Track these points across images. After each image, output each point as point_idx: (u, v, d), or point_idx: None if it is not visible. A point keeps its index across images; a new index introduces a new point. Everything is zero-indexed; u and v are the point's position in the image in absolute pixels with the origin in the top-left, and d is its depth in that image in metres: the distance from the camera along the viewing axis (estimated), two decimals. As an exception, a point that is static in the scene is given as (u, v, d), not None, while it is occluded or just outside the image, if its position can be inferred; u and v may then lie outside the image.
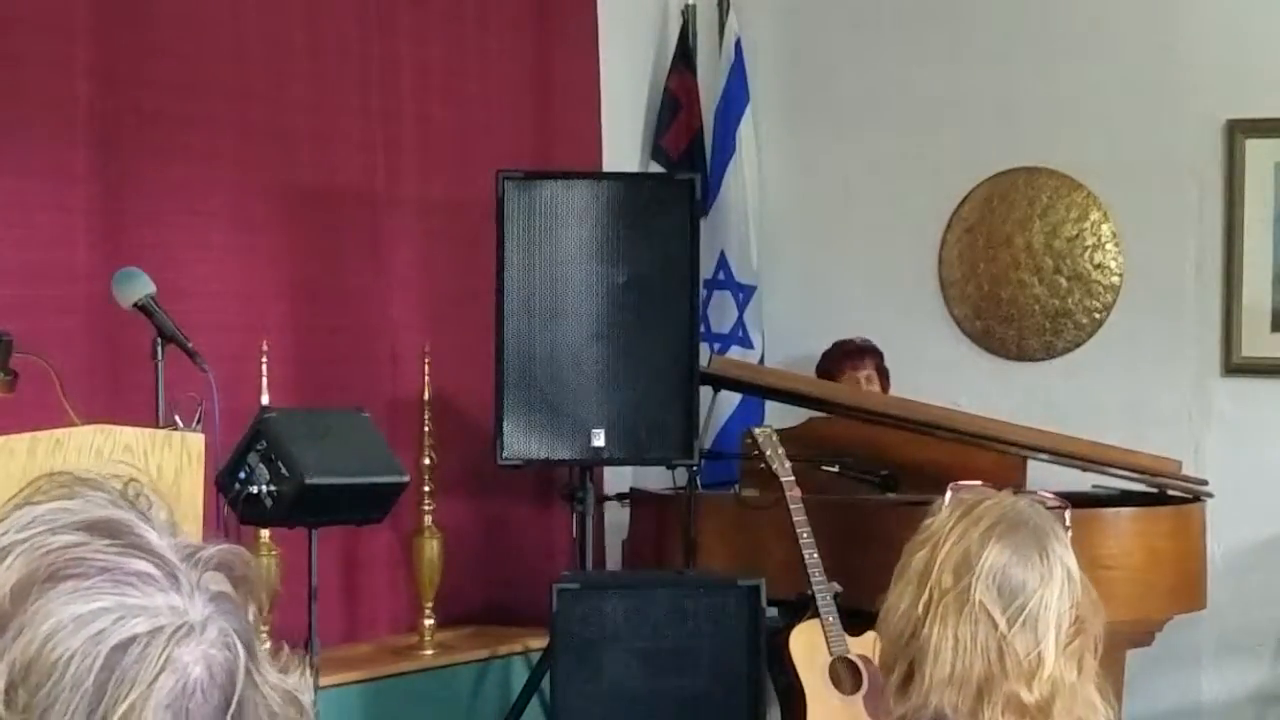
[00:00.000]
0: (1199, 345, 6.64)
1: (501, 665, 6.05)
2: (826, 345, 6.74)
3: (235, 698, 1.18)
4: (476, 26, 6.46)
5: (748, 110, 7.18)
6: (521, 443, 5.84)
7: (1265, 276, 6.56)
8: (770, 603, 5.46)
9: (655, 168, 7.07)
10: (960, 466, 5.78)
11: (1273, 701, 6.52)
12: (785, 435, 5.77)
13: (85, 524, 1.20)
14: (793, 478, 5.51)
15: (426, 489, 5.91)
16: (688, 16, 7.24)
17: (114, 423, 3.84)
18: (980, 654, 2.34)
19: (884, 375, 6.68)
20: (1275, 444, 6.52)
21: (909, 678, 2.37)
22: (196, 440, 3.91)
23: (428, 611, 5.95)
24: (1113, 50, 6.75)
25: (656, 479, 6.30)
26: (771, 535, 5.62)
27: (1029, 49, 6.86)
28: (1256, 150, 6.56)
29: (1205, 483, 6.03)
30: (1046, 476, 6.06)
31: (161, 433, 3.92)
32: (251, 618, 1.23)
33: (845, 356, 6.64)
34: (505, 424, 5.81)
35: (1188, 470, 6.09)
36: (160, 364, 4.40)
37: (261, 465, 4.62)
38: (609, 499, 6.42)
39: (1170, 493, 5.97)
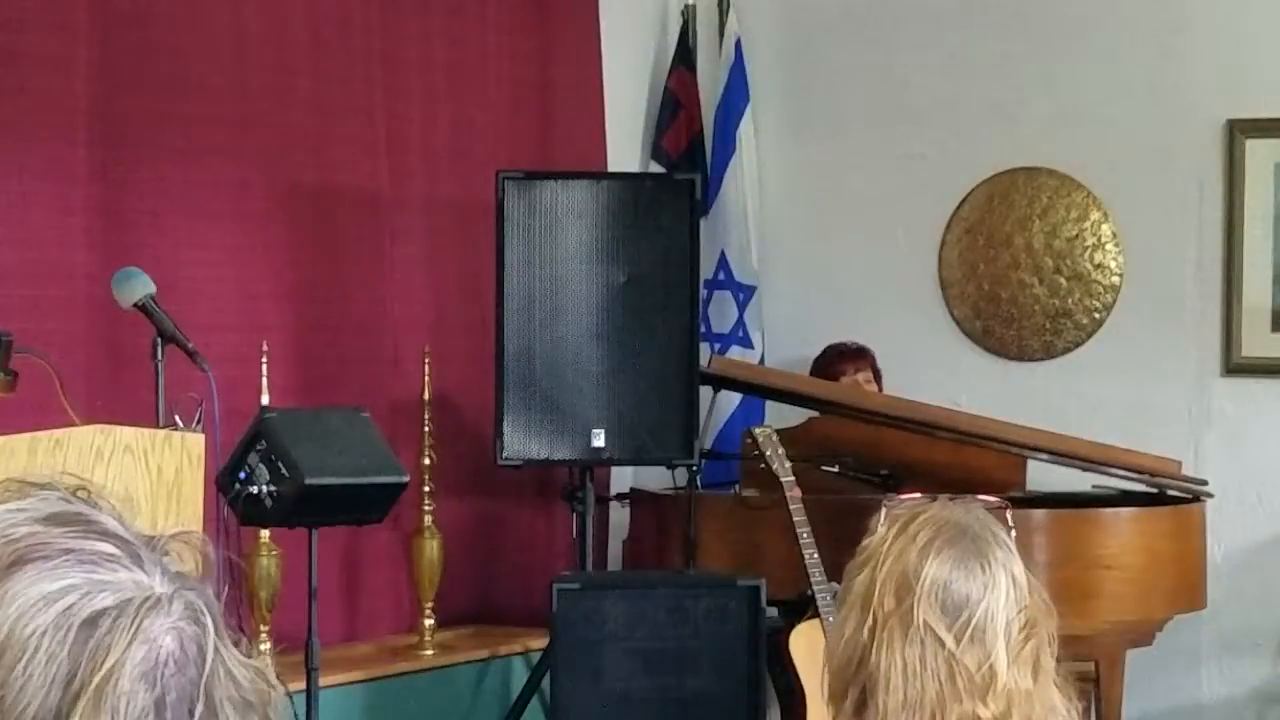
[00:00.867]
0: (1199, 345, 6.64)
1: (501, 665, 6.05)
2: (826, 345, 6.73)
3: (206, 669, 1.20)
4: (477, 27, 6.46)
5: (748, 110, 7.17)
6: (521, 443, 5.84)
7: (1265, 276, 6.56)
8: (770, 603, 5.46)
9: (655, 168, 7.06)
10: (960, 466, 5.79)
11: (1273, 701, 6.52)
12: (785, 435, 5.77)
13: (41, 517, 1.22)
14: (793, 478, 5.51)
15: (426, 489, 5.91)
16: (688, 16, 7.23)
17: (114, 423, 3.84)
18: (931, 676, 2.29)
19: (879, 378, 6.67)
20: (1275, 444, 6.52)
21: (862, 706, 2.33)
22: (196, 440, 3.91)
23: (428, 611, 5.95)
24: (1113, 50, 6.75)
25: (656, 479, 6.30)
26: (771, 535, 5.62)
27: (1029, 49, 6.86)
28: (1256, 150, 6.56)
29: (1205, 483, 6.03)
30: (1046, 476, 6.07)
31: (161, 433, 3.92)
32: (212, 596, 1.24)
33: (839, 359, 6.63)
34: (505, 424, 5.82)
35: (1188, 470, 6.09)
36: (160, 364, 4.40)
37: (261, 465, 4.62)
38: (609, 499, 6.41)
39: (1170, 493, 5.97)
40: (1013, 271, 6.93)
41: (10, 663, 1.16)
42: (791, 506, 5.44)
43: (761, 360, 7.01)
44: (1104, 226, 6.82)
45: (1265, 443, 6.52)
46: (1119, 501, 5.97)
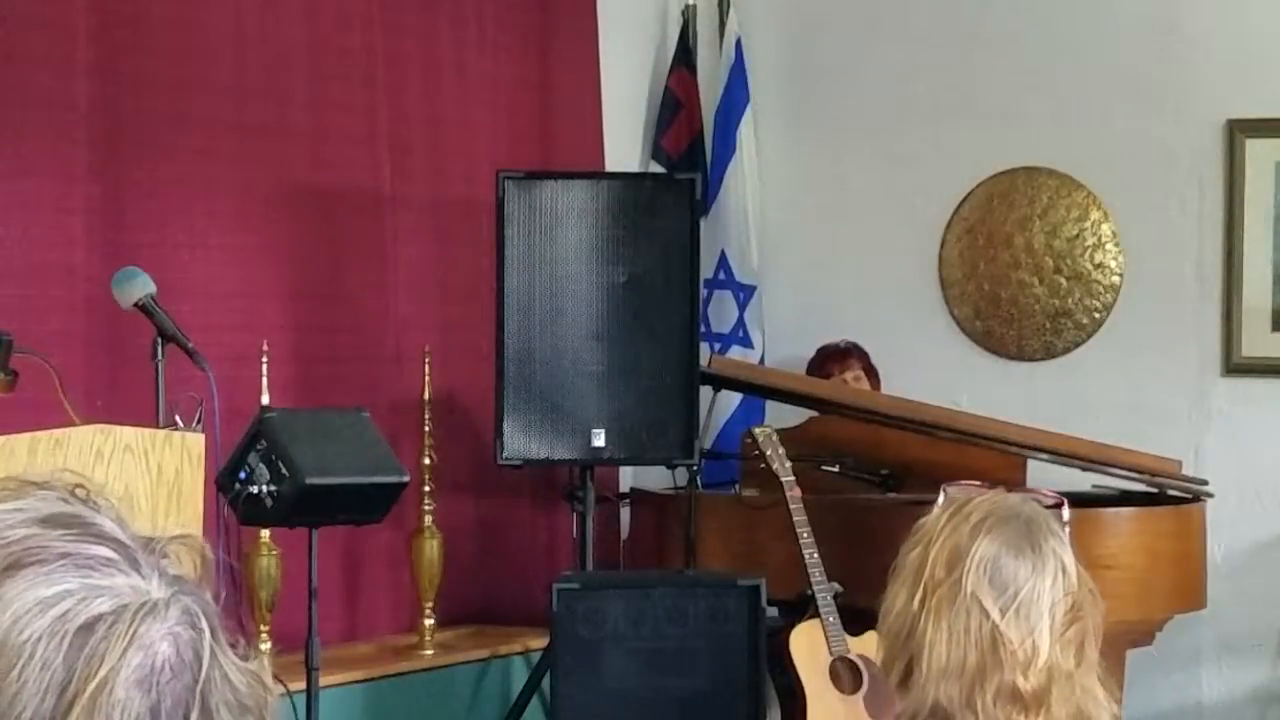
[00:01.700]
0: (1199, 345, 6.64)
1: (501, 665, 6.05)
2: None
3: (202, 675, 1.19)
4: (477, 26, 6.46)
5: (748, 110, 7.18)
6: (521, 442, 5.84)
7: (1265, 276, 6.56)
8: (770, 603, 5.46)
9: (655, 168, 7.06)
10: (960, 466, 5.78)
11: (1273, 701, 6.52)
12: (785, 435, 5.77)
13: (39, 519, 1.21)
14: (793, 478, 5.52)
15: (426, 489, 5.90)
16: (688, 16, 7.23)
17: (114, 423, 3.84)
18: (974, 644, 2.35)
19: (872, 374, 6.67)
20: (1275, 444, 6.52)
21: (908, 674, 2.38)
22: (196, 440, 3.91)
23: (428, 611, 5.95)
24: (1113, 50, 6.75)
25: (656, 479, 6.30)
26: (771, 535, 5.62)
27: (1029, 49, 6.86)
28: (1256, 150, 6.56)
29: (1205, 483, 6.03)
30: (1046, 476, 6.06)
31: (161, 433, 3.92)
32: (209, 600, 1.24)
33: (825, 361, 6.63)
34: (505, 424, 5.82)
35: (1188, 470, 6.09)
36: (160, 364, 4.40)
37: (261, 465, 4.62)
38: (608, 499, 6.41)
39: (1170, 493, 5.97)
40: (1013, 271, 6.93)
41: (4, 669, 1.15)
42: (791, 506, 5.44)
43: (761, 360, 7.01)
44: (1104, 226, 6.82)
45: (1265, 443, 6.52)
46: (1119, 501, 5.96)
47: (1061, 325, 6.88)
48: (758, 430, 5.74)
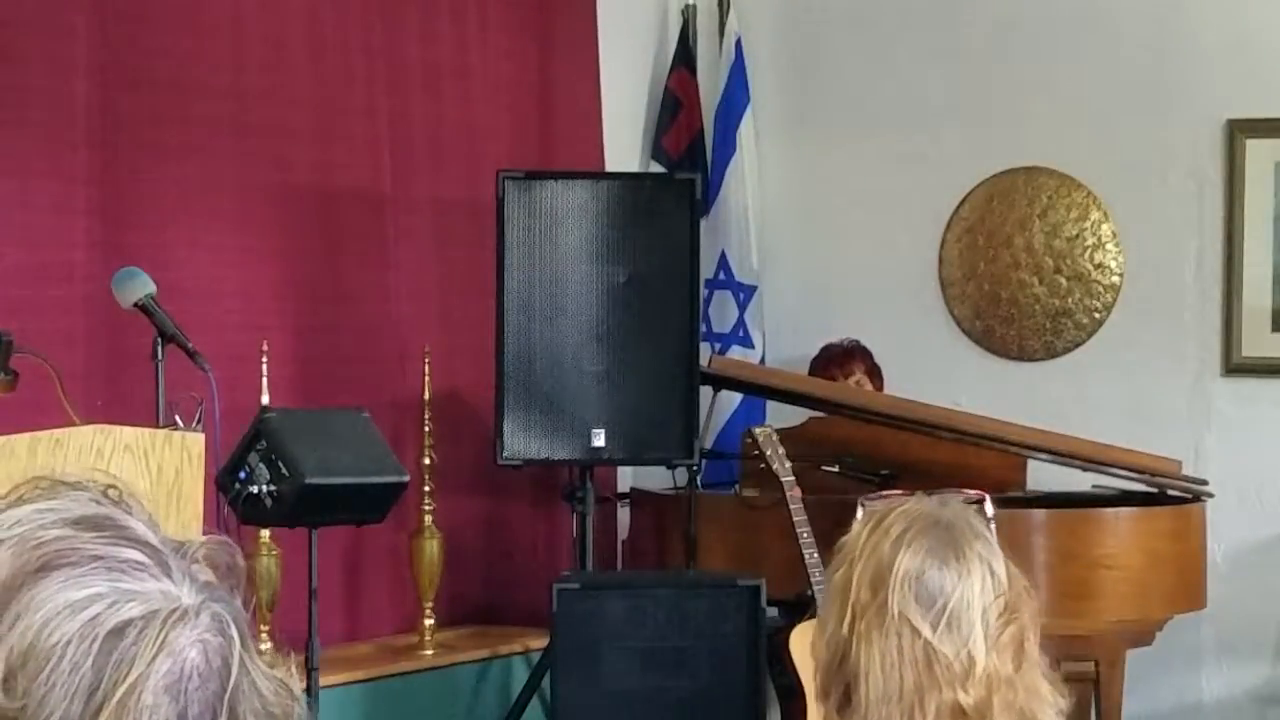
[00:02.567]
0: (1199, 345, 6.64)
1: (501, 665, 6.05)
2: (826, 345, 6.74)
3: (231, 683, 1.19)
4: (477, 26, 6.46)
5: (748, 110, 7.17)
6: (521, 442, 5.84)
7: (1265, 276, 6.56)
8: (770, 603, 5.46)
9: (655, 168, 7.06)
10: (960, 466, 5.79)
11: (1273, 701, 6.52)
12: (785, 435, 5.76)
13: (72, 520, 1.20)
14: (793, 478, 5.51)
15: (426, 489, 5.90)
16: (688, 16, 7.24)
17: (114, 423, 3.84)
18: (909, 665, 2.28)
19: (876, 374, 6.66)
20: (1275, 444, 6.52)
21: (846, 702, 2.33)
22: (196, 440, 3.91)
23: (428, 611, 5.95)
24: (1113, 50, 6.75)
25: (656, 479, 6.30)
26: (771, 535, 5.62)
27: (1029, 49, 6.86)
28: (1256, 150, 6.56)
29: (1205, 483, 6.03)
30: (1046, 476, 6.07)
31: (161, 433, 3.92)
32: (240, 607, 1.24)
33: (831, 362, 6.63)
34: (505, 424, 5.82)
35: (1188, 470, 6.09)
36: (160, 364, 4.40)
37: (261, 465, 4.63)
38: (608, 499, 6.41)
39: (1170, 493, 5.97)
40: (1013, 271, 6.93)
41: (34, 671, 1.15)
42: (791, 506, 5.44)
43: (761, 360, 7.01)
44: (1104, 226, 6.82)
45: (1265, 443, 6.52)
46: (1119, 501, 5.96)
47: (1061, 325, 6.88)
48: (758, 430, 5.74)
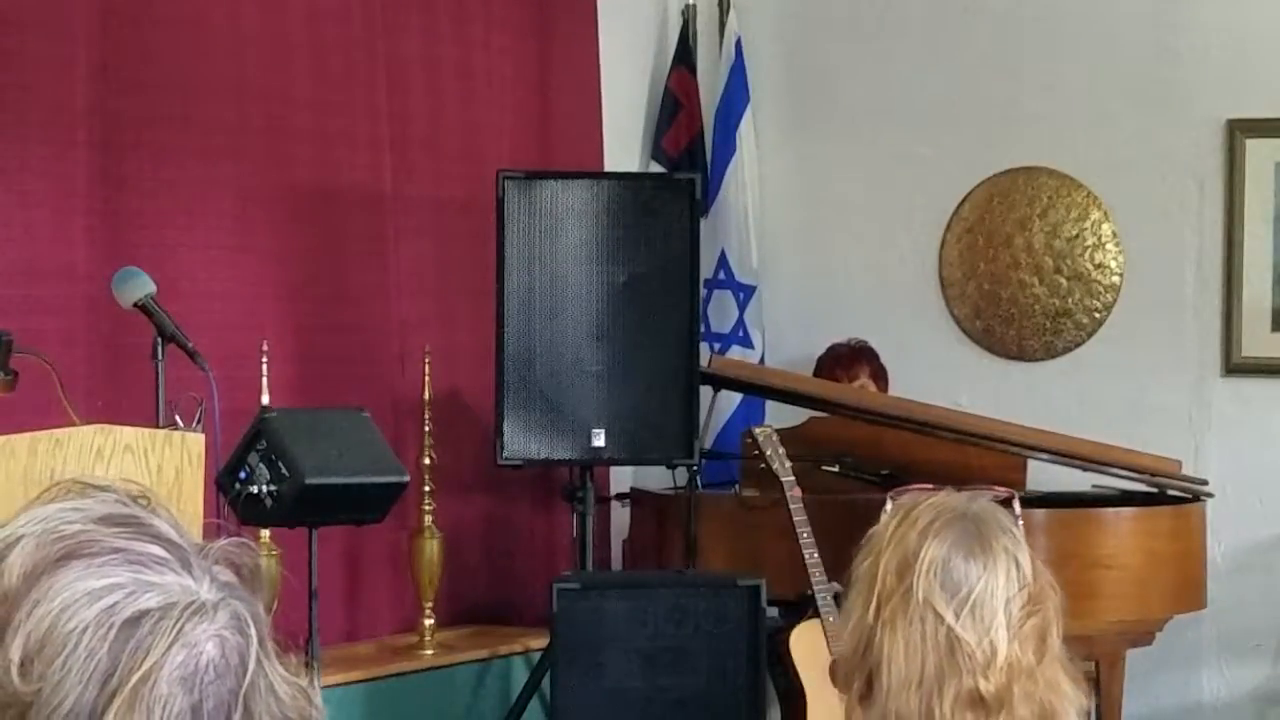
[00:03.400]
0: (1199, 345, 6.64)
1: (501, 665, 6.05)
2: (827, 345, 6.73)
3: (246, 681, 1.20)
4: (477, 26, 6.46)
5: (748, 110, 7.17)
6: (521, 443, 5.84)
7: (1265, 276, 6.56)
8: (770, 603, 5.46)
9: (655, 168, 7.06)
10: (960, 466, 5.78)
11: (1273, 701, 6.52)
12: (785, 435, 5.76)
13: (95, 517, 1.22)
14: (793, 478, 5.51)
15: (426, 489, 5.90)
16: (688, 16, 7.24)
17: (114, 423, 3.84)
18: (931, 649, 2.31)
19: (881, 376, 6.66)
20: (1275, 444, 6.52)
21: (868, 690, 2.34)
22: (196, 440, 3.91)
23: (428, 611, 5.95)
24: (1113, 50, 6.75)
25: (656, 479, 6.30)
26: (771, 535, 5.62)
27: (1029, 49, 6.86)
28: (1256, 150, 6.56)
29: (1205, 483, 6.03)
30: (1046, 476, 6.07)
31: (161, 433, 3.92)
32: (260, 610, 1.24)
33: (836, 363, 6.62)
34: (505, 424, 5.82)
35: (1188, 470, 6.09)
36: (160, 364, 4.40)
37: (261, 465, 4.62)
38: (609, 499, 6.41)
39: (1170, 493, 5.97)
40: (1013, 271, 6.93)
41: (50, 656, 1.16)
42: (791, 506, 5.44)
43: (761, 360, 7.01)
44: (1104, 226, 6.82)
45: (1265, 443, 6.52)
46: (1119, 501, 5.97)
47: (1061, 325, 6.88)
48: (758, 430, 5.74)
